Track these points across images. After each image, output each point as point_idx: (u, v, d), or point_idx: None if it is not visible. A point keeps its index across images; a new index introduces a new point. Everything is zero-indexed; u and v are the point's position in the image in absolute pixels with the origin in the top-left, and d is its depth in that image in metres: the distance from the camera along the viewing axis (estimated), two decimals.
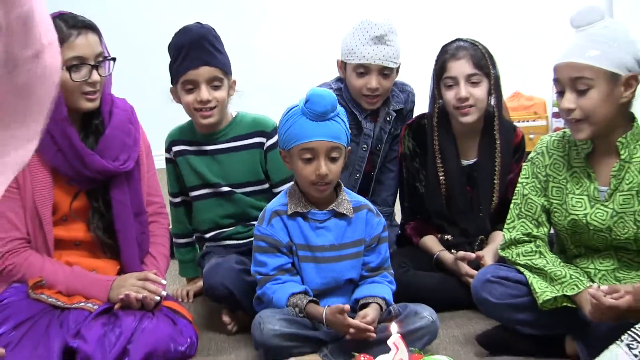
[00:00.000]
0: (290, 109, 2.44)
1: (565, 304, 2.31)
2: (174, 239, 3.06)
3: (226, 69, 2.80)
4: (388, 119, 3.20)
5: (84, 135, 2.53)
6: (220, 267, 2.69)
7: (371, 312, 2.35)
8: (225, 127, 2.87)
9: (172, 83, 2.83)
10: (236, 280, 2.64)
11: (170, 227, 3.02)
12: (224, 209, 2.87)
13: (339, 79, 3.24)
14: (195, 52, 2.72)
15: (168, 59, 2.82)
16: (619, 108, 2.28)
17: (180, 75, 2.76)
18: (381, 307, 2.41)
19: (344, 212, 2.48)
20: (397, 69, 3.14)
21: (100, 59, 2.48)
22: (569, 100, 2.27)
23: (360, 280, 2.53)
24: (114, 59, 2.54)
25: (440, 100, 2.95)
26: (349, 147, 2.51)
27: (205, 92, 2.74)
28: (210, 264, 2.75)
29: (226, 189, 2.85)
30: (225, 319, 2.73)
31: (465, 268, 2.84)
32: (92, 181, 2.54)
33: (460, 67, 2.86)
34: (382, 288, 2.48)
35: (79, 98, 2.46)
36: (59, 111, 2.42)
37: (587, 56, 2.23)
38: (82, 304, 2.44)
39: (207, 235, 2.94)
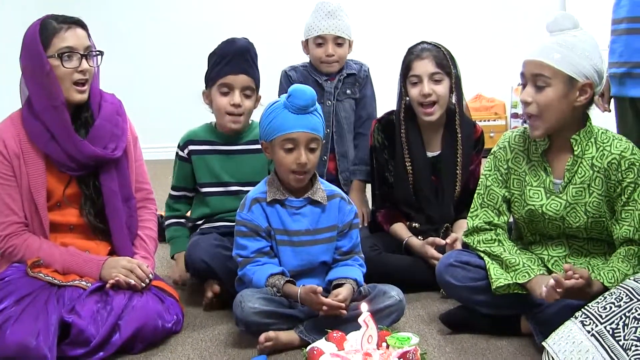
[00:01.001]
0: (272, 104, 2.61)
1: (516, 290, 2.49)
2: (165, 221, 3.22)
3: (257, 83, 3.05)
4: (340, 78, 3.72)
5: (74, 127, 2.67)
6: (199, 244, 2.91)
7: (343, 291, 2.52)
8: (243, 132, 3.10)
9: (207, 86, 3.07)
10: (213, 255, 2.85)
11: (164, 212, 3.22)
12: (230, 204, 3.04)
13: (304, 63, 3.83)
14: (237, 60, 2.99)
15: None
16: (572, 111, 2.45)
17: (219, 78, 3.00)
18: (352, 288, 2.58)
19: (319, 199, 2.65)
20: (350, 43, 3.72)
21: (89, 51, 2.65)
22: (528, 93, 2.46)
23: (333, 263, 2.70)
24: (101, 53, 2.71)
25: (407, 97, 3.15)
26: (324, 140, 2.68)
27: (237, 97, 2.99)
28: (190, 242, 2.99)
29: (235, 187, 3.07)
30: (209, 294, 2.91)
31: (431, 251, 3.03)
32: (83, 167, 2.68)
33: (424, 66, 3.07)
34: (354, 270, 2.65)
35: (70, 88, 2.62)
36: (56, 98, 2.59)
37: (549, 57, 2.41)
38: (77, 282, 2.60)
39: (201, 222, 3.13)
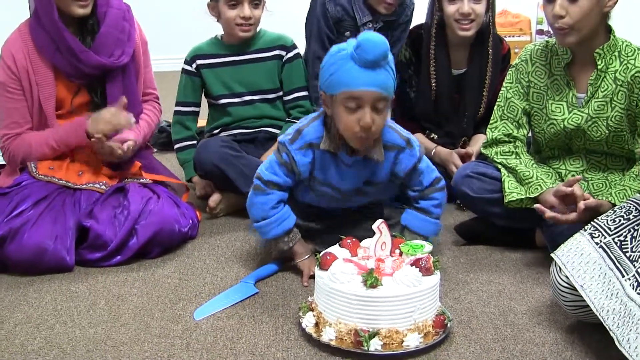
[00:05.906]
0: (338, 52, 2.21)
1: (529, 205, 2.46)
2: (175, 145, 3.16)
3: None
4: (376, 26, 3.23)
5: (81, 35, 2.66)
6: (207, 145, 2.92)
7: None
8: (250, 42, 3.08)
9: None
10: (222, 156, 2.86)
11: (172, 132, 3.20)
12: (246, 113, 3.08)
13: None
14: None
15: None
16: (601, 18, 2.39)
17: None
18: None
19: (375, 156, 2.33)
20: None
21: None
22: (561, 6, 2.36)
23: (411, 199, 2.48)
24: None
25: (439, 13, 3.04)
26: (392, 97, 2.33)
27: (247, 9, 2.96)
28: (199, 146, 2.99)
29: (248, 97, 3.08)
30: (213, 200, 2.96)
31: (458, 161, 3.03)
32: (89, 76, 2.68)
33: None
34: (416, 221, 2.44)
35: (71, 5, 2.58)
36: (50, 14, 2.56)
37: None
38: (91, 184, 2.64)
39: (217, 131, 3.15)
